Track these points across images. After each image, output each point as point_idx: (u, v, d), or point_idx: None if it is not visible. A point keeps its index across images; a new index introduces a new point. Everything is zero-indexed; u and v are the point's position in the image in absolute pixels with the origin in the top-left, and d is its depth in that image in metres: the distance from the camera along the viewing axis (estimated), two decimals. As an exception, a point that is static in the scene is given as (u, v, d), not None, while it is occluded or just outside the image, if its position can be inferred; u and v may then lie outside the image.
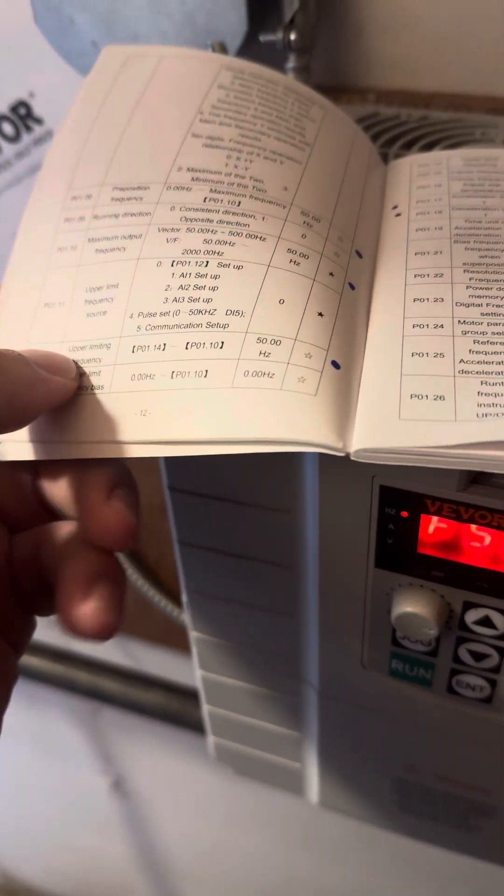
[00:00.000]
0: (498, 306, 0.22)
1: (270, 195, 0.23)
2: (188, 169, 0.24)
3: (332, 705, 0.32)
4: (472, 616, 0.25)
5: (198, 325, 0.21)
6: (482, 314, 0.22)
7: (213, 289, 0.21)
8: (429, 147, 0.32)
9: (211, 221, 0.22)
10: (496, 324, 0.21)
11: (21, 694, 0.85)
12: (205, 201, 0.23)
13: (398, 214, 0.27)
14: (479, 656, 0.26)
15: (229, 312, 0.21)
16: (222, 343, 0.20)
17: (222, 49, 0.36)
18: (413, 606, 0.25)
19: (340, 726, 0.33)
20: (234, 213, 0.23)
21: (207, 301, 0.21)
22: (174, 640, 0.63)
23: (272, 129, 0.26)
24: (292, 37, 0.35)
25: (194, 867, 0.99)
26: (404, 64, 0.38)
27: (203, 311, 0.21)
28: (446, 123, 0.34)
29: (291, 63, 0.36)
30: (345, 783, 0.36)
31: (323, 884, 0.86)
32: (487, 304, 0.22)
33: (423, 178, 0.28)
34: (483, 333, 0.21)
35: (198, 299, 0.21)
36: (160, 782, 0.87)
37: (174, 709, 0.62)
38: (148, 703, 0.64)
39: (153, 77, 0.26)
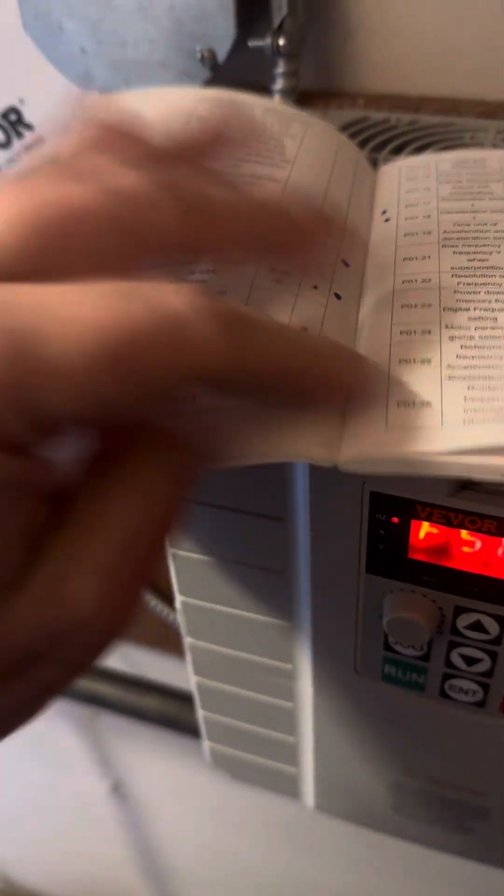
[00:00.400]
0: (485, 310, 0.22)
1: None
2: None
3: (327, 710, 0.32)
4: (463, 621, 0.25)
5: None
6: (469, 318, 0.22)
7: None
8: (418, 151, 0.33)
9: (203, 273, 0.23)
10: (483, 328, 0.21)
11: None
12: None
13: (387, 220, 0.27)
14: (471, 660, 0.26)
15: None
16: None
17: (212, 55, 0.36)
18: (405, 612, 0.25)
19: (335, 731, 0.33)
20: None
21: None
22: (171, 644, 0.63)
23: (251, 154, 0.26)
24: (281, 42, 0.35)
25: (194, 870, 0.99)
26: (394, 68, 0.39)
27: None
28: (436, 127, 0.35)
29: (280, 68, 0.36)
30: (340, 787, 0.36)
31: (322, 886, 0.86)
32: (475, 309, 0.22)
33: (412, 181, 0.28)
34: (470, 338, 0.21)
35: None
36: (159, 785, 0.87)
37: (171, 713, 0.62)
38: (145, 708, 0.64)
39: None
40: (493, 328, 0.21)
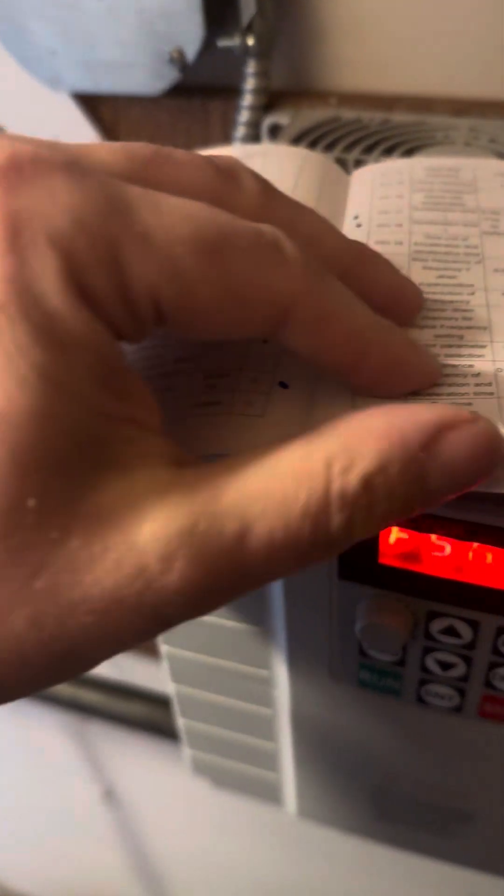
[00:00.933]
0: (452, 328, 0.22)
1: None
2: None
3: (304, 716, 0.31)
4: (436, 626, 0.25)
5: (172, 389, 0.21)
6: (435, 336, 0.21)
7: None
8: (389, 151, 0.32)
9: None
10: (449, 346, 0.21)
11: (11, 706, 0.85)
12: None
13: (359, 225, 0.26)
14: (446, 665, 0.26)
15: (177, 360, 0.21)
16: (171, 388, 0.21)
17: (181, 56, 0.36)
18: (377, 617, 0.25)
19: (314, 737, 0.32)
20: None
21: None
22: (157, 650, 0.63)
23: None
24: (250, 42, 0.35)
25: (188, 874, 0.99)
26: (366, 66, 0.38)
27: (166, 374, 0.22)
28: (407, 127, 0.34)
29: (251, 68, 0.36)
30: (322, 793, 0.36)
31: (317, 888, 0.85)
32: (441, 327, 0.22)
33: (385, 187, 0.27)
34: (437, 356, 0.21)
35: None
36: (151, 791, 0.87)
37: (157, 719, 0.62)
38: (132, 715, 0.63)
39: None
40: (458, 346, 0.21)
